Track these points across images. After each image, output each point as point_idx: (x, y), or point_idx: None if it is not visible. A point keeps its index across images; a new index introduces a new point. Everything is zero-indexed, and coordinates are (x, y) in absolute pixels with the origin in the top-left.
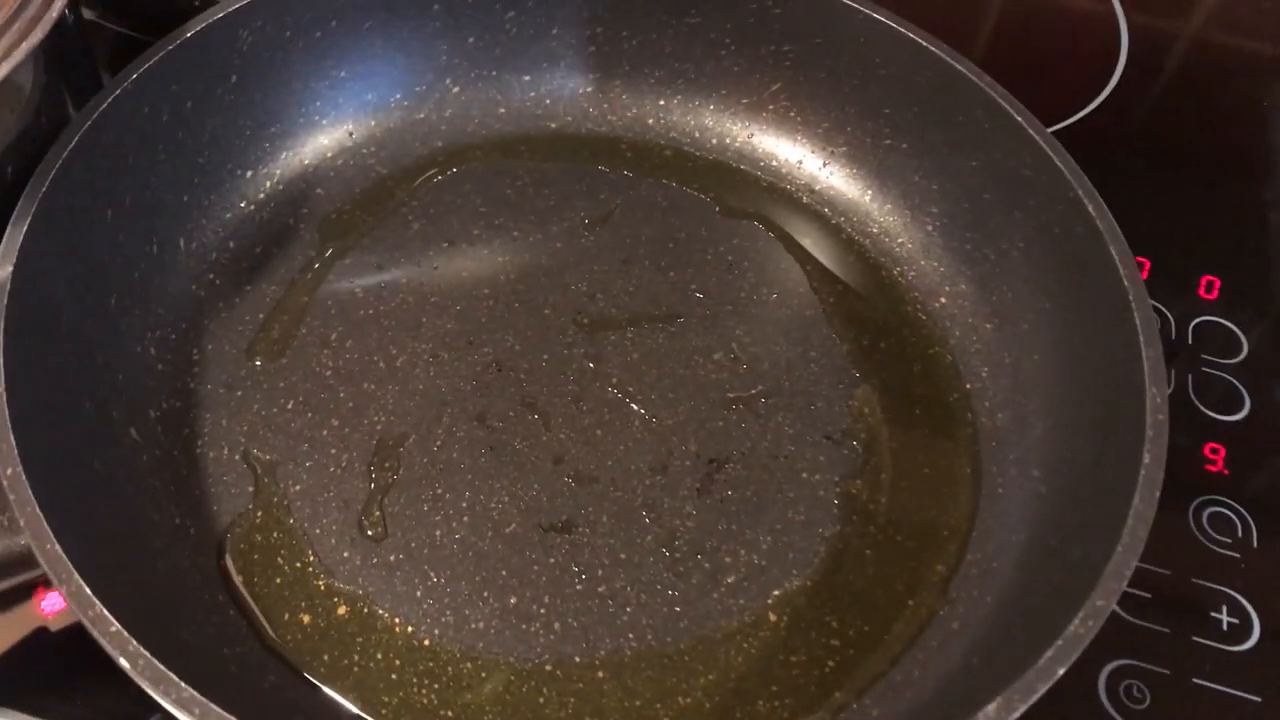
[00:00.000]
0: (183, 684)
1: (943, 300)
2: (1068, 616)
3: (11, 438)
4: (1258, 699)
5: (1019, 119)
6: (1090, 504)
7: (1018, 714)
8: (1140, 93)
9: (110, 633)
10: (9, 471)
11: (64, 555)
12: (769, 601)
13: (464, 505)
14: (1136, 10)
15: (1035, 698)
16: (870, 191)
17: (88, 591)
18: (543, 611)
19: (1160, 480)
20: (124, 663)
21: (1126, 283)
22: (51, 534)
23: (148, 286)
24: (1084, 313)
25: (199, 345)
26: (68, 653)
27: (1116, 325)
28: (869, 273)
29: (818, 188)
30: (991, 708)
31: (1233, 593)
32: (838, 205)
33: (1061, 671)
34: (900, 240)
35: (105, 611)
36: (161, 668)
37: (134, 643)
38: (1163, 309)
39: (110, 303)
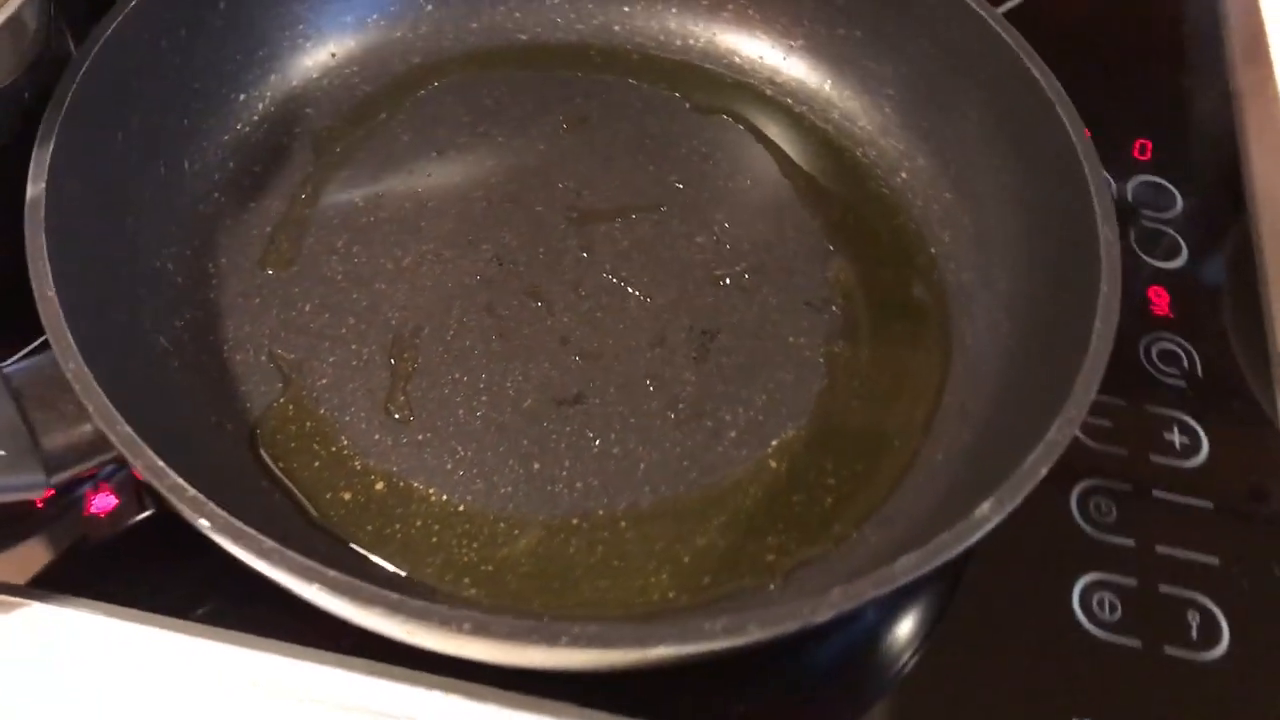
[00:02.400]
0: (264, 537)
1: (903, 175)
2: (1045, 431)
3: (69, 336)
4: (1210, 505)
5: None
6: (1053, 340)
7: (1008, 511)
8: None
9: (188, 498)
10: (72, 366)
11: (136, 435)
12: (769, 450)
13: (481, 386)
14: None
15: (1022, 495)
16: (829, 80)
17: (160, 463)
18: (564, 473)
19: (1118, 306)
20: (204, 523)
21: (1074, 137)
22: (120, 417)
23: (159, 206)
24: (1035, 171)
25: (213, 259)
26: (121, 547)
27: (1067, 178)
28: (833, 156)
29: (779, 80)
30: (986, 505)
31: (1183, 416)
32: (799, 95)
33: (1044, 471)
34: (860, 124)
35: (180, 480)
36: (240, 524)
37: (211, 504)
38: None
39: (127, 222)
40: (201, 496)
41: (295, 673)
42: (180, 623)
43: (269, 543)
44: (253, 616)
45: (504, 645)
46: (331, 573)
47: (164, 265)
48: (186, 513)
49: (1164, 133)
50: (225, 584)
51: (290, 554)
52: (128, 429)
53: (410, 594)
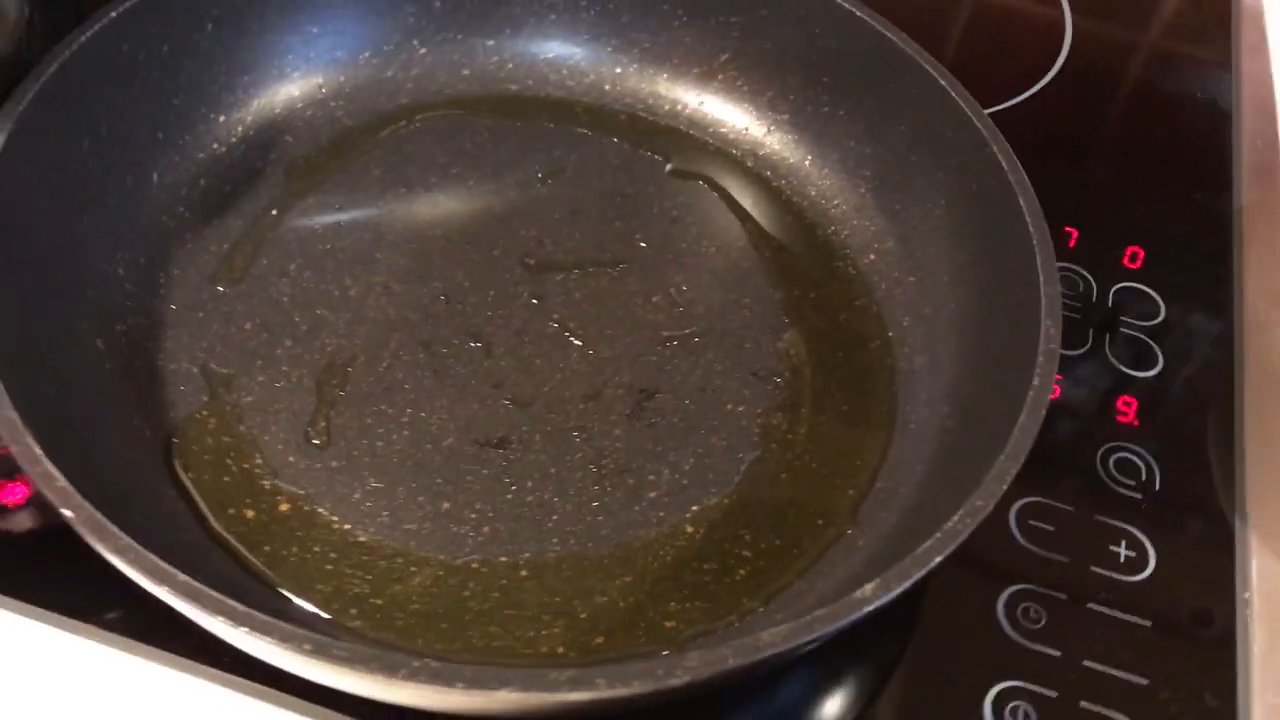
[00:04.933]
0: (121, 533)
1: (871, 257)
2: (946, 519)
3: None
4: (1148, 624)
5: (943, 84)
6: (987, 432)
7: (892, 595)
8: (1084, 81)
9: (57, 487)
10: None
11: (19, 420)
12: (687, 515)
13: (405, 420)
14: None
15: (908, 584)
16: (810, 157)
17: (37, 450)
18: (473, 516)
19: (1046, 402)
20: (68, 513)
21: (1031, 228)
22: (9, 398)
23: (120, 213)
24: (995, 264)
25: (165, 270)
26: (33, 543)
27: (1022, 271)
28: (805, 231)
29: (762, 152)
30: (869, 587)
31: (1133, 529)
32: (780, 169)
33: (938, 560)
34: (836, 202)
35: (51, 468)
36: (104, 520)
37: (79, 496)
38: (1085, 273)
39: (83, 222)
40: (70, 487)
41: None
42: (79, 625)
43: (122, 536)
44: (155, 628)
45: (341, 670)
46: (181, 577)
47: (114, 270)
48: (52, 499)
49: (1158, 242)
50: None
51: (143, 551)
52: (13, 415)
53: (291, 619)
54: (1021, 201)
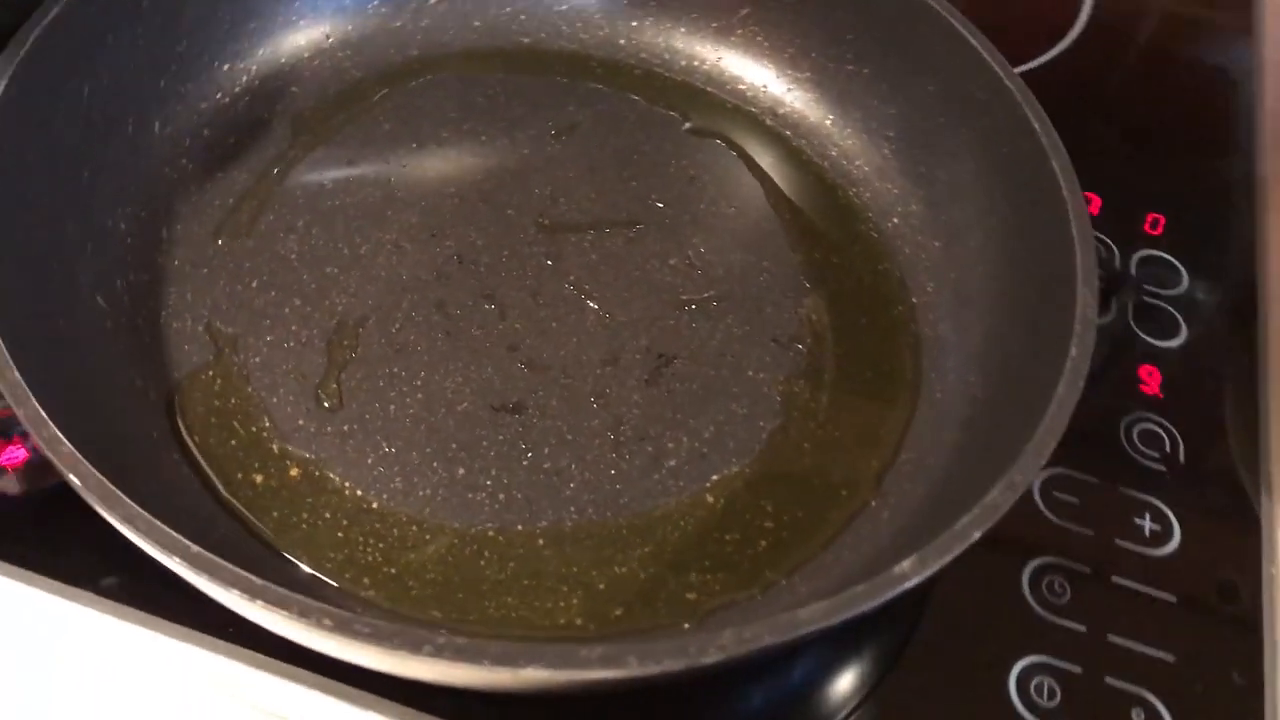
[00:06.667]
0: (130, 502)
1: (895, 220)
2: (985, 493)
3: None
4: (1173, 598)
5: (974, 43)
6: (1020, 403)
7: (930, 571)
8: (1102, 46)
9: (62, 453)
10: None
11: (23, 382)
12: (707, 485)
13: (418, 383)
14: None
15: (946, 559)
16: (831, 116)
17: (42, 414)
18: (489, 483)
19: (1085, 371)
20: (74, 480)
21: (1065, 193)
22: (11, 360)
23: (121, 165)
24: (1026, 229)
25: (168, 224)
26: (30, 507)
27: (1055, 237)
28: (826, 193)
29: (781, 111)
30: (907, 563)
31: (1157, 502)
32: (800, 128)
33: (976, 535)
34: (858, 163)
35: (58, 432)
36: (111, 487)
37: (85, 463)
38: (1108, 240)
39: (84, 176)
40: (76, 453)
41: (187, 657)
42: (76, 591)
43: (130, 504)
44: (154, 596)
45: (364, 648)
46: (194, 548)
47: (116, 224)
48: (59, 466)
49: (1180, 209)
50: (131, 559)
51: (151, 519)
52: (17, 377)
53: (302, 588)
54: (1055, 165)
